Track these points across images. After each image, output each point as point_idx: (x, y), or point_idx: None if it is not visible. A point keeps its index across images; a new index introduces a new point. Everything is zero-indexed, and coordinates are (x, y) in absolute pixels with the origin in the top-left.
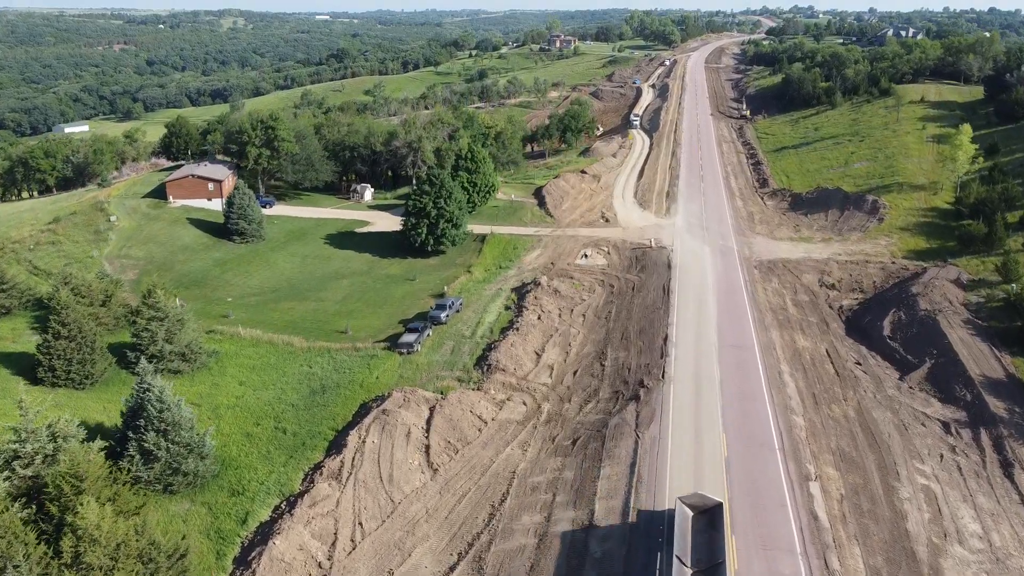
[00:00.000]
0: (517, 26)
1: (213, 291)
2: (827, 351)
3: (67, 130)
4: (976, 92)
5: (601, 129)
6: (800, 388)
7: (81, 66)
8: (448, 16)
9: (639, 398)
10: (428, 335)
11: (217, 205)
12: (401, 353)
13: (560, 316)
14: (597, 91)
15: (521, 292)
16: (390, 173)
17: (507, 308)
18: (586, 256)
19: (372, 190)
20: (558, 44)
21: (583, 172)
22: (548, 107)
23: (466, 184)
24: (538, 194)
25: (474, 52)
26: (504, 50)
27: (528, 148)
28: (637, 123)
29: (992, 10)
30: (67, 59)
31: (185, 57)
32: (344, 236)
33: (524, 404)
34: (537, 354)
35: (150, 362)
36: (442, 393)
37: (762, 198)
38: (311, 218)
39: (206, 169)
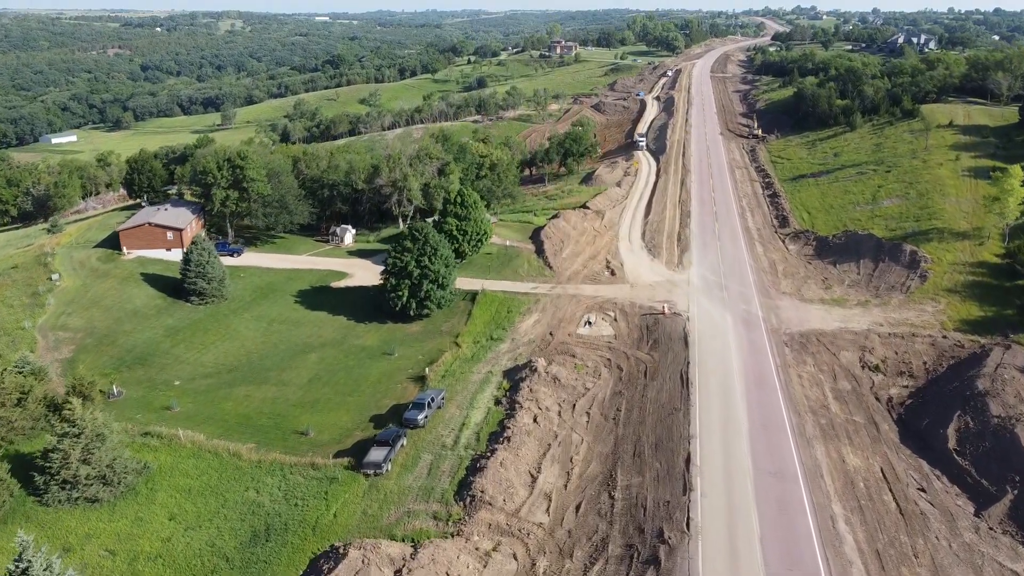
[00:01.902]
0: (517, 27)
1: (160, 371)
2: (883, 471)
3: (54, 140)
4: (1009, 115)
5: (601, 151)
6: (859, 542)
7: (73, 72)
8: (448, 17)
9: (658, 562)
10: (402, 445)
11: (178, 255)
12: (367, 475)
13: (560, 415)
14: (599, 104)
15: (514, 378)
16: (375, 210)
17: (497, 402)
18: (589, 323)
19: (353, 232)
20: (559, 50)
21: (585, 208)
22: (548, 121)
23: (455, 232)
24: (536, 238)
25: (472, 58)
26: (503, 56)
27: (527, 172)
28: (643, 144)
29: (998, 10)
30: (59, 65)
31: (180, 62)
32: (318, 293)
33: (515, 558)
34: (532, 475)
35: (62, 489)
36: (413, 543)
37: (783, 240)
38: (283, 269)
39: (165, 215)
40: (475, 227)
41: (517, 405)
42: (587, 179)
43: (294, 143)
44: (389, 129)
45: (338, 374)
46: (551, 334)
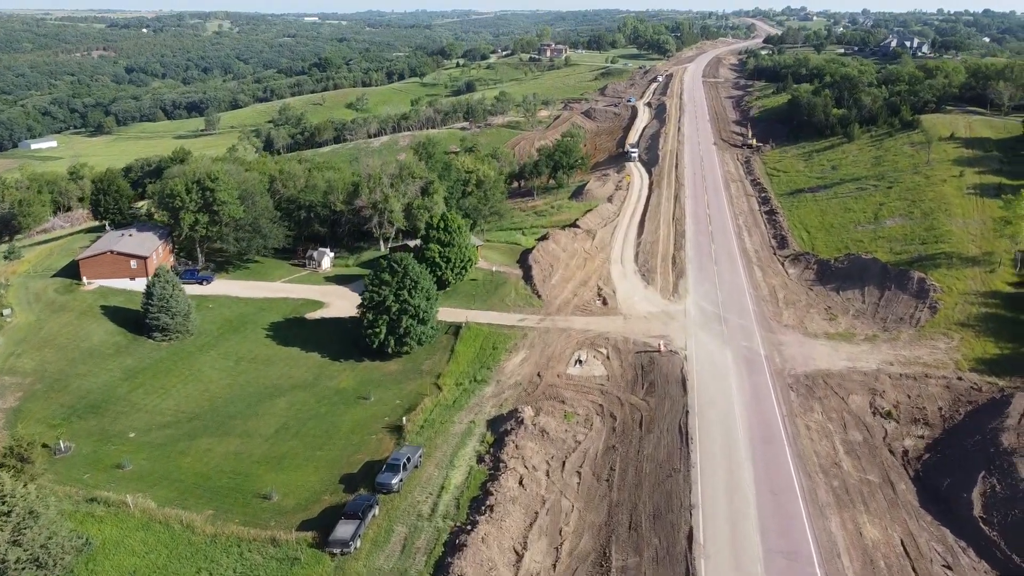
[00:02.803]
0: (508, 28)
1: (114, 421)
2: (903, 544)
3: (34, 146)
4: (1012, 126)
5: (592, 161)
6: None
7: (56, 75)
8: (438, 17)
9: None
10: (374, 515)
11: (142, 285)
12: (333, 555)
13: (548, 474)
14: (590, 110)
15: (499, 430)
16: (355, 231)
17: (480, 459)
18: (580, 362)
19: (331, 255)
20: (548, 53)
21: (575, 227)
22: (538, 128)
23: (438, 259)
24: (524, 262)
25: (461, 62)
26: (493, 59)
27: (515, 184)
28: (635, 155)
29: (987, 11)
30: (42, 67)
31: (166, 64)
32: (291, 326)
33: None
34: (517, 553)
35: None
36: None
37: (783, 264)
38: (255, 299)
39: (129, 242)
40: (459, 254)
41: (501, 464)
42: (577, 193)
43: (278, 151)
44: (375, 136)
45: (308, 423)
46: (539, 375)
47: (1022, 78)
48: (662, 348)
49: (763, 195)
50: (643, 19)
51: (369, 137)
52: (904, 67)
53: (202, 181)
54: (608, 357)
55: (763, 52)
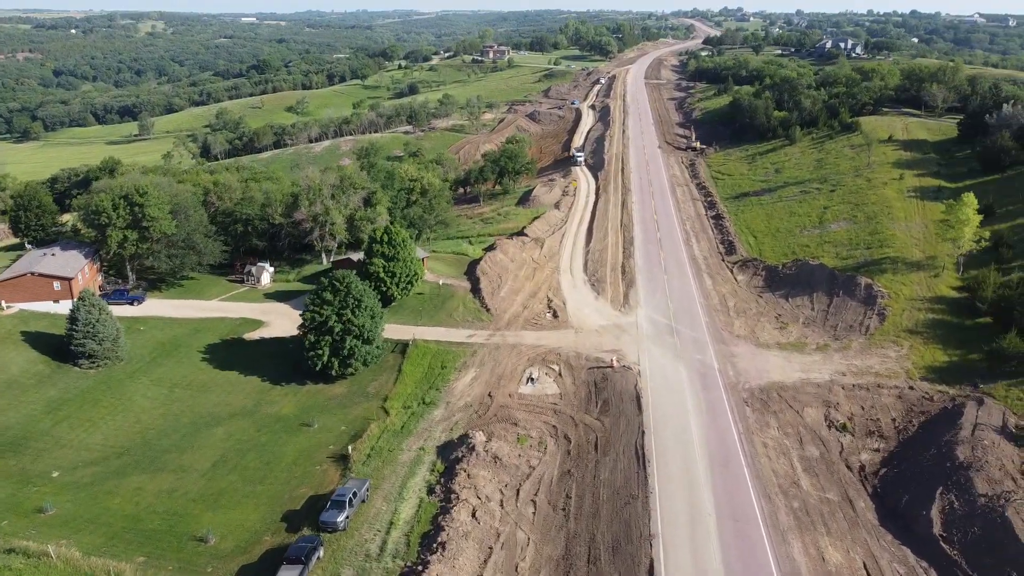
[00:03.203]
0: (450, 28)
1: (35, 459)
2: (866, 568)
3: None
4: (947, 128)
5: (538, 165)
6: None
7: None
8: (379, 17)
9: None
10: (318, 558)
11: (67, 307)
12: None
13: (502, 504)
14: (534, 113)
15: (449, 457)
16: (295, 243)
17: (431, 490)
18: (532, 380)
19: (271, 270)
20: (491, 55)
21: (523, 235)
22: (482, 132)
23: (382, 275)
24: (471, 274)
25: (404, 64)
26: (435, 61)
27: (460, 191)
28: (580, 160)
29: (914, 12)
30: None
31: (96, 66)
32: (229, 348)
33: None
34: None
35: None
36: None
37: (731, 270)
38: (189, 319)
39: (52, 263)
40: (404, 268)
41: (453, 496)
42: (524, 199)
43: (216, 157)
44: (316, 141)
45: (248, 455)
46: (490, 395)
47: (953, 80)
48: (615, 363)
49: (709, 199)
50: (585, 20)
51: (310, 142)
52: (841, 69)
53: (130, 196)
54: (560, 374)
55: (703, 53)
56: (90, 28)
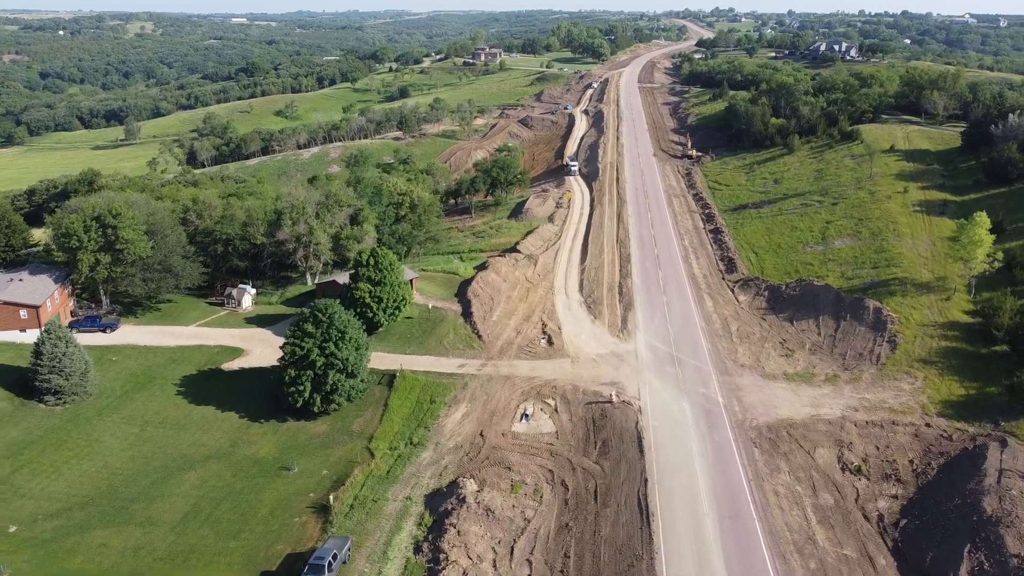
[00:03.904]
0: (441, 29)
1: None
2: None
3: None
4: (949, 138)
5: (531, 174)
6: None
7: None
8: (370, 18)
9: None
10: None
11: (35, 336)
12: None
13: (495, 565)
14: (527, 118)
15: (438, 509)
16: (279, 264)
17: (417, 548)
18: (527, 417)
19: (252, 292)
20: (483, 58)
21: (516, 252)
22: (474, 138)
23: (368, 300)
24: (462, 296)
25: (394, 66)
26: (426, 63)
27: (452, 201)
28: (575, 169)
29: (905, 13)
30: None
31: (84, 68)
32: (206, 380)
33: None
34: None
35: None
36: None
37: (732, 290)
38: (165, 348)
39: (18, 289)
40: (391, 292)
41: (442, 556)
42: (517, 211)
43: (202, 163)
44: (305, 148)
45: (222, 504)
46: (482, 434)
47: (954, 88)
48: (614, 398)
49: (707, 211)
50: (576, 22)
51: (298, 148)
52: (838, 75)
53: (103, 217)
54: (556, 409)
55: (697, 56)
56: (78, 29)
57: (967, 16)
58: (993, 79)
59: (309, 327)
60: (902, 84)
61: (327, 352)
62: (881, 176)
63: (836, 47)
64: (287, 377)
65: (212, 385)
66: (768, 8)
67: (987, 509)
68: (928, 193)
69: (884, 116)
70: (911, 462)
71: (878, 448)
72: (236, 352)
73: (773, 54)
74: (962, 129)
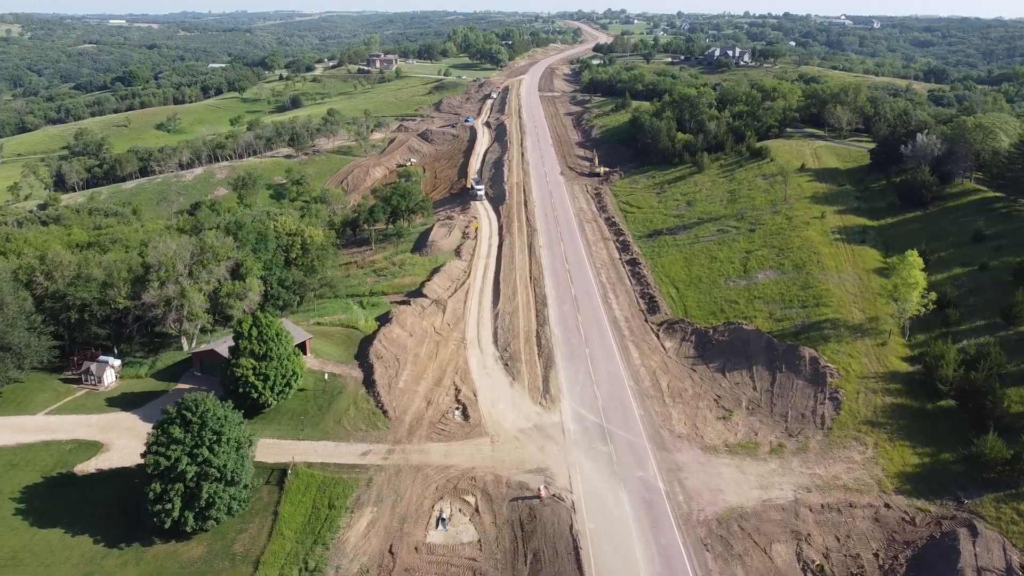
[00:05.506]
0: (334, 31)
1: None
2: None
3: None
4: (857, 154)
5: (434, 196)
6: None
7: None
8: (259, 19)
9: None
10: None
11: None
12: None
13: None
14: (426, 132)
15: None
16: (147, 328)
17: None
18: (443, 522)
19: (117, 365)
20: (379, 64)
21: (423, 296)
22: (372, 153)
23: (252, 379)
24: (363, 358)
25: (285, 74)
26: (319, 70)
27: (348, 232)
28: (481, 194)
29: (787, 14)
30: None
31: None
32: (54, 490)
33: None
34: None
35: None
36: None
37: (657, 334)
38: (2, 449)
39: None
40: (279, 368)
41: None
42: (421, 243)
43: (72, 187)
44: (188, 167)
45: None
46: (391, 550)
47: (856, 102)
48: (543, 493)
49: (621, 238)
50: (473, 25)
51: (181, 169)
52: (739, 86)
53: None
54: (477, 509)
55: (595, 62)
56: None
57: (843, 18)
58: (878, 83)
59: (176, 431)
60: (805, 97)
61: (200, 459)
62: (796, 199)
63: (730, 52)
64: (151, 494)
65: (61, 498)
66: (658, 8)
67: None
68: (845, 218)
69: (789, 130)
70: (876, 555)
71: (838, 539)
72: (94, 448)
73: (670, 59)
74: (870, 147)
